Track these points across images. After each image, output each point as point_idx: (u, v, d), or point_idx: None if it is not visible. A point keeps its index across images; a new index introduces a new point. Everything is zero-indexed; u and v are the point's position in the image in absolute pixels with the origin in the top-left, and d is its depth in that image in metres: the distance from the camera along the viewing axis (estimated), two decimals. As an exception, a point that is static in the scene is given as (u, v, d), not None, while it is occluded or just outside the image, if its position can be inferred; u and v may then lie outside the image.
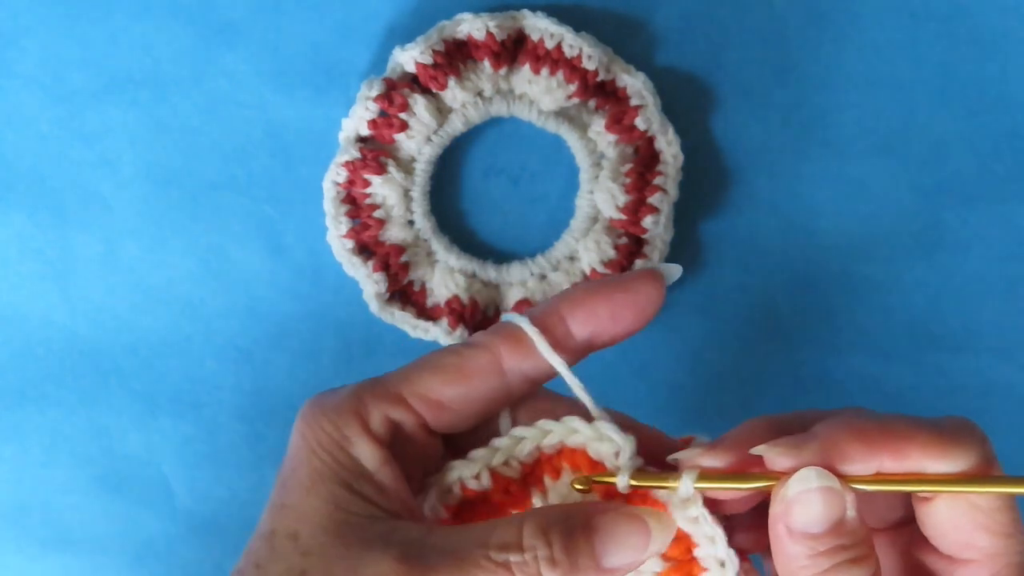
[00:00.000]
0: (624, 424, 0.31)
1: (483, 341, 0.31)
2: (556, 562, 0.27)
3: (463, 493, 0.31)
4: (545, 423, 0.31)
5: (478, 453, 0.31)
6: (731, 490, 0.30)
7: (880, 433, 0.29)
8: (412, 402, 0.30)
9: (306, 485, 0.29)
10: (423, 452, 0.31)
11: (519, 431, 0.31)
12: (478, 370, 0.31)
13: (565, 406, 0.32)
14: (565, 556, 0.28)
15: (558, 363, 0.31)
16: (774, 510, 0.29)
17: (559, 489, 0.32)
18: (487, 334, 0.31)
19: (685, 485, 0.29)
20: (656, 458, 0.31)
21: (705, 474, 0.30)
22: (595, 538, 0.28)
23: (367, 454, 0.29)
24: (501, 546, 0.27)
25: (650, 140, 0.45)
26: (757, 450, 0.29)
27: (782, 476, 0.29)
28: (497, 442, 0.31)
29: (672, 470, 0.31)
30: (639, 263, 0.45)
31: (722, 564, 0.30)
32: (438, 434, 0.32)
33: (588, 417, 0.31)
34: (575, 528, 0.28)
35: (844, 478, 0.28)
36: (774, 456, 0.29)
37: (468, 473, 0.31)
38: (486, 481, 0.31)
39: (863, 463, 0.28)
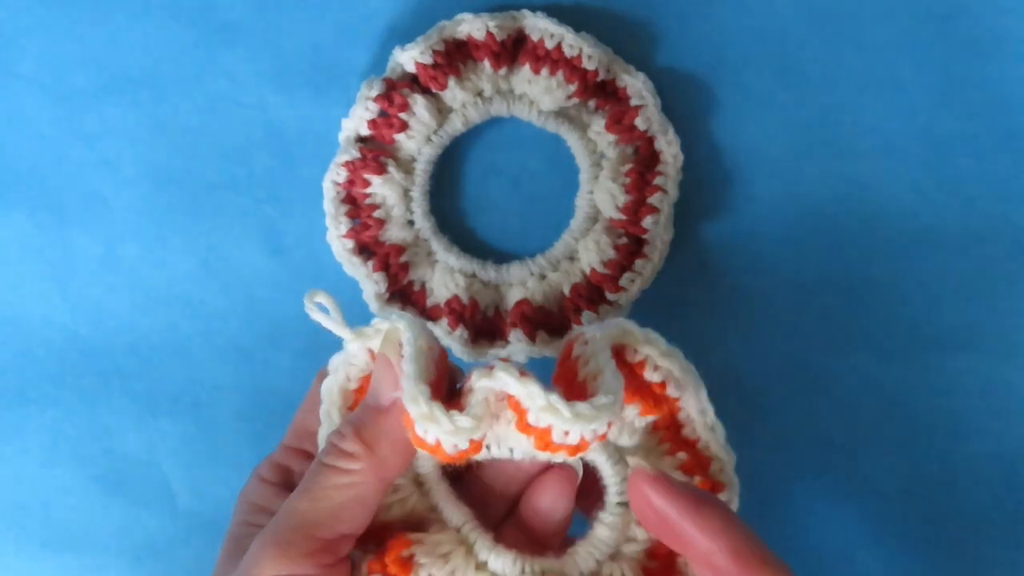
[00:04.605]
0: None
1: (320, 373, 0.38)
2: (343, 428, 0.34)
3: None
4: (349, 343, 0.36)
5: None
6: None
7: None
8: (291, 442, 0.39)
9: (227, 537, 0.38)
10: None
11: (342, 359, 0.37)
12: (316, 391, 0.38)
13: None
14: (348, 420, 0.34)
15: (338, 326, 0.36)
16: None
17: None
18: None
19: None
20: None
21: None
22: (367, 394, 0.35)
23: (259, 494, 0.38)
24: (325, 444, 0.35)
25: (650, 140, 0.45)
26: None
27: None
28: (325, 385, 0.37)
29: None
30: (639, 263, 0.45)
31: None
32: None
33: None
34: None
35: None
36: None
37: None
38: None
39: None
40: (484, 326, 0.46)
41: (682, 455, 0.35)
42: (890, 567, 0.47)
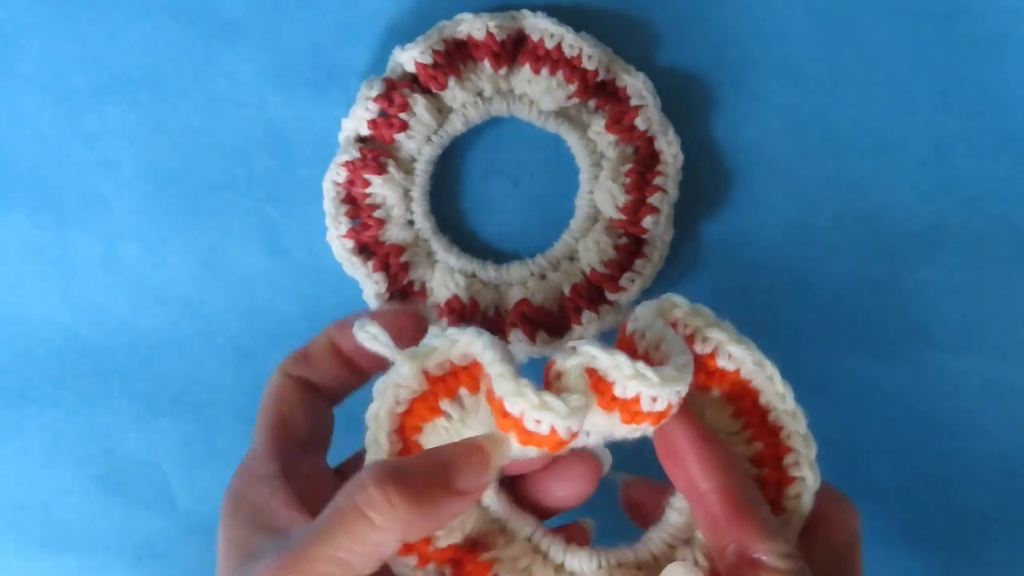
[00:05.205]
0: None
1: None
2: (391, 493, 0.29)
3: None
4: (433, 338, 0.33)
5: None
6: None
7: None
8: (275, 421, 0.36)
9: (221, 541, 0.34)
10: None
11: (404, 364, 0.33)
12: (319, 350, 0.36)
13: None
14: (407, 488, 0.30)
15: (384, 343, 0.32)
16: None
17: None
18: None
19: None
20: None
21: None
22: (435, 473, 0.31)
23: (260, 495, 0.33)
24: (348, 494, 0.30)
25: (650, 140, 0.45)
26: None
27: None
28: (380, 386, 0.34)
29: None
30: (639, 263, 0.45)
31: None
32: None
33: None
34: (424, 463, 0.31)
35: None
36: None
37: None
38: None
39: None
40: (484, 326, 0.45)
41: (758, 445, 0.34)
42: (890, 567, 0.47)
